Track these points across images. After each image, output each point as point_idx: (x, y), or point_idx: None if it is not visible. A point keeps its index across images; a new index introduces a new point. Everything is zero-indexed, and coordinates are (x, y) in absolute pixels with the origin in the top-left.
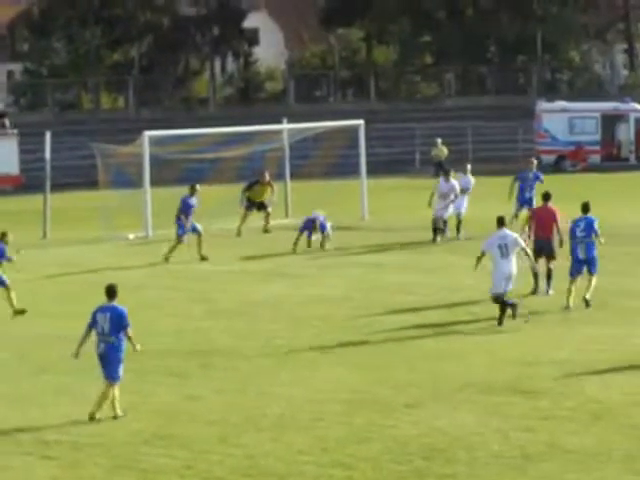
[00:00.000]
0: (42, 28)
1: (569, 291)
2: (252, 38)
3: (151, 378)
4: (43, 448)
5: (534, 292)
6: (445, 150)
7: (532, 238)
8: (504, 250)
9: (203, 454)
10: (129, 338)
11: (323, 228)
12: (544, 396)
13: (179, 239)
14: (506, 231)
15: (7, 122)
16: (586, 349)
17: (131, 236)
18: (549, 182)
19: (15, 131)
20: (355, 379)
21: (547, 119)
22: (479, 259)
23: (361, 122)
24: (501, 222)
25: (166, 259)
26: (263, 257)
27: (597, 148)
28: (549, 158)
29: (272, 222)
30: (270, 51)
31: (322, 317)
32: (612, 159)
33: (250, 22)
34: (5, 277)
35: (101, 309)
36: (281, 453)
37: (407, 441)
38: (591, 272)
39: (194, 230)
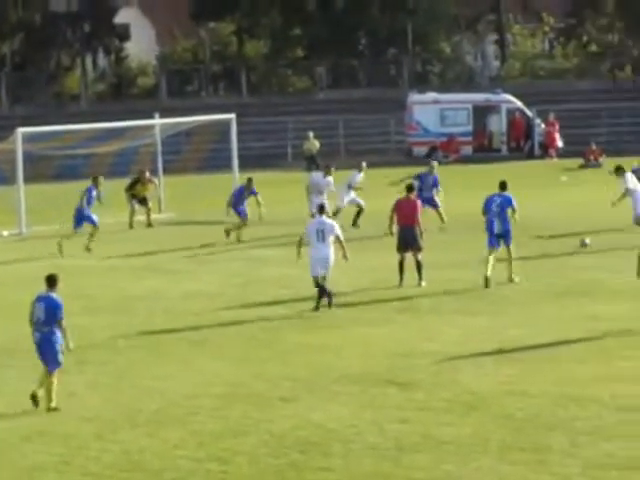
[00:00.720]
0: None
1: (486, 261)
2: (123, 34)
3: (28, 375)
4: None
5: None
6: (317, 144)
7: (396, 228)
8: (320, 235)
9: (80, 450)
10: (63, 332)
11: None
12: (419, 387)
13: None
14: (325, 218)
15: None
16: (461, 340)
17: (5, 233)
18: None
19: None
20: (230, 373)
21: (418, 111)
22: (299, 243)
23: (233, 116)
24: (322, 209)
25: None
26: (143, 252)
27: (469, 139)
28: (421, 150)
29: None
30: (141, 46)
31: (198, 311)
32: (484, 150)
33: (121, 18)
34: None
35: (38, 298)
36: (157, 448)
37: (283, 434)
38: (507, 244)
39: (91, 220)
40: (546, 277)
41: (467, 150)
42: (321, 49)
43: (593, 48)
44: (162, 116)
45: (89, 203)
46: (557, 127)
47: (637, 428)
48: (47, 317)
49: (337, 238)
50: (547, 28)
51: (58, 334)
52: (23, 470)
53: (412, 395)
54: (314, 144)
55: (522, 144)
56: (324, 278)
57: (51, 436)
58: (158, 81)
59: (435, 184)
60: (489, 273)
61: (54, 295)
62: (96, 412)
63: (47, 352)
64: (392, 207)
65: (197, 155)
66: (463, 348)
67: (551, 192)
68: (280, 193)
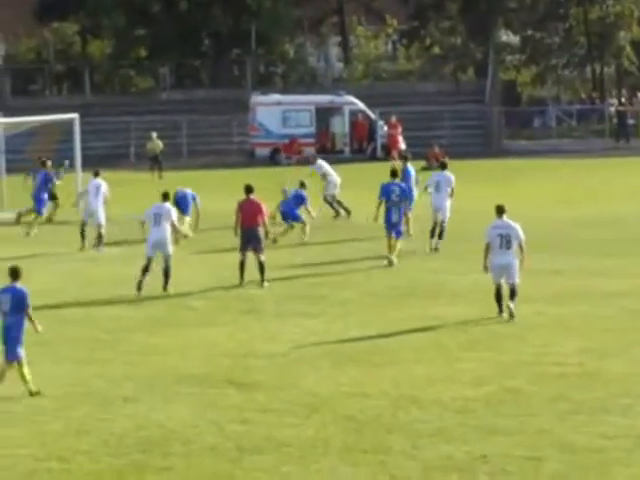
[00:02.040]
0: None
1: (388, 246)
2: None
3: None
4: None
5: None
6: (160, 144)
7: (239, 230)
8: (158, 219)
9: None
10: (30, 319)
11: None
12: (260, 389)
13: None
14: (166, 205)
15: None
16: (302, 342)
17: None
18: (265, 175)
19: None
20: (72, 374)
21: (261, 112)
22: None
23: (76, 116)
24: (165, 197)
25: None
26: None
27: (312, 141)
28: (264, 151)
29: None
30: None
31: (38, 312)
32: (327, 151)
33: None
34: None
35: (3, 290)
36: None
37: (124, 434)
38: (397, 236)
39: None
40: (389, 279)
41: (310, 151)
42: (164, 49)
43: (436, 50)
44: (6, 115)
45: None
46: (400, 129)
47: (477, 430)
48: (12, 307)
49: (173, 223)
50: (390, 30)
51: (23, 325)
52: None
53: (253, 396)
54: (157, 144)
55: (365, 146)
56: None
57: None
58: (2, 80)
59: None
60: (394, 258)
61: (19, 285)
62: None
63: (10, 342)
64: (236, 208)
65: (41, 155)
66: (305, 350)
67: None
68: (123, 192)
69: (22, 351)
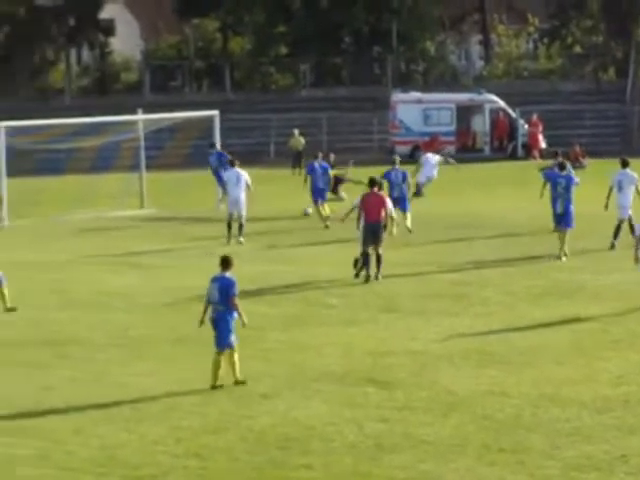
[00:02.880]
0: None
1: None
2: (108, 28)
3: (5, 369)
4: None
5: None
6: (302, 140)
7: (362, 224)
8: None
9: (58, 444)
10: (236, 309)
11: None
12: (399, 387)
13: None
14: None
15: None
16: (442, 341)
17: None
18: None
19: None
20: (209, 370)
21: (402, 110)
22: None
23: (216, 113)
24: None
25: None
26: (123, 247)
27: (452, 139)
28: (404, 149)
29: (129, 213)
30: (126, 42)
31: (178, 308)
32: (467, 150)
33: (106, 13)
34: None
35: (213, 279)
36: (136, 443)
37: (262, 431)
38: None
39: None
40: (528, 278)
41: (450, 150)
42: (305, 46)
43: (577, 49)
44: (145, 112)
45: None
46: (540, 128)
47: (616, 429)
48: (221, 296)
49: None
50: (531, 29)
51: (233, 314)
52: (0, 464)
53: (392, 394)
54: (300, 141)
55: (505, 144)
56: None
57: (29, 430)
58: (142, 77)
59: (404, 179)
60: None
61: (228, 275)
62: (76, 407)
63: (222, 330)
64: (358, 202)
65: (180, 151)
66: (444, 349)
67: (534, 193)
68: (263, 190)
69: (234, 338)
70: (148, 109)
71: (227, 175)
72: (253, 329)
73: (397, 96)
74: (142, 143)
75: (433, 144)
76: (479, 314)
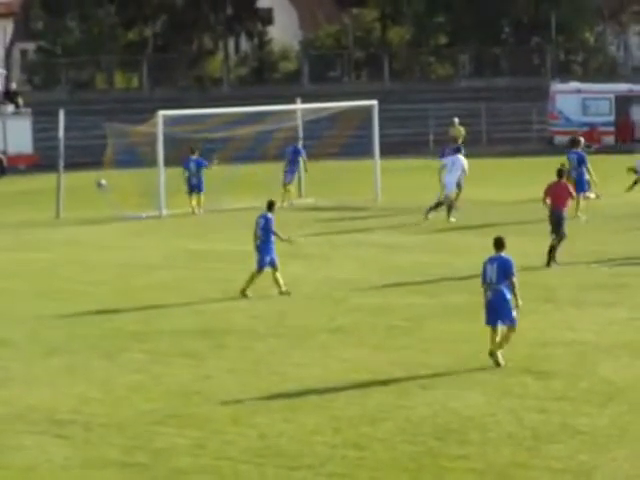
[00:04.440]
0: (56, 7)
1: None
2: (266, 18)
3: (164, 358)
4: (56, 428)
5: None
6: (462, 130)
7: (549, 212)
8: None
9: (216, 434)
10: (513, 289)
11: None
12: (557, 377)
13: None
14: None
15: (20, 101)
16: (601, 331)
17: (143, 215)
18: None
19: (29, 110)
20: (369, 360)
21: (561, 100)
22: None
23: (375, 102)
24: None
25: None
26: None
27: (611, 129)
28: (563, 139)
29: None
30: (284, 31)
31: (336, 298)
32: (626, 140)
33: (264, 2)
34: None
35: (490, 260)
36: (293, 433)
37: (420, 421)
38: None
39: None
40: None
41: (609, 140)
42: (464, 37)
43: None
44: (304, 101)
45: None
46: None
47: None
48: (499, 276)
49: None
50: None
51: (509, 292)
52: (157, 452)
53: (550, 384)
54: (459, 130)
55: None
56: None
57: (186, 419)
58: (300, 66)
59: (582, 161)
60: None
61: (504, 255)
62: (233, 396)
63: (501, 308)
64: (545, 191)
65: (338, 141)
66: (602, 339)
67: None
68: (420, 180)
69: (515, 316)
70: (306, 99)
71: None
72: (412, 319)
73: (556, 86)
74: (301, 133)
75: (592, 134)
76: (636, 305)
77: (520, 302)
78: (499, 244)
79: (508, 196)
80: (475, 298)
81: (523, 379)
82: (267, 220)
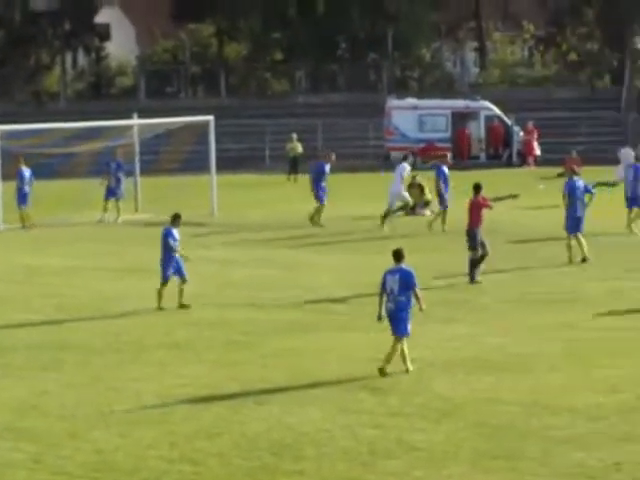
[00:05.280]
0: None
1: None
2: (104, 33)
3: (1, 372)
4: None
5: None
6: (300, 146)
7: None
8: None
9: (52, 448)
10: (416, 297)
11: None
12: (393, 393)
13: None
14: None
15: None
16: (438, 347)
17: None
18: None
19: None
20: (206, 375)
21: (397, 116)
22: None
23: (211, 118)
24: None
25: None
26: (116, 252)
27: (448, 145)
28: (399, 155)
29: (124, 217)
30: (121, 46)
31: (174, 313)
32: (463, 157)
33: (102, 17)
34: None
35: (391, 271)
36: (130, 448)
37: (256, 437)
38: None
39: None
40: (525, 285)
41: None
42: (301, 53)
43: (572, 57)
44: (140, 116)
45: None
46: (535, 135)
47: (610, 438)
48: (400, 287)
49: None
50: (527, 36)
51: (409, 303)
52: None
53: (386, 400)
54: (297, 146)
55: (501, 151)
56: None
57: (23, 433)
58: (137, 81)
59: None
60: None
61: (405, 266)
62: (71, 411)
63: (401, 319)
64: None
65: (175, 156)
66: (439, 355)
67: (529, 200)
68: (258, 195)
69: (410, 327)
70: (143, 114)
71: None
72: (251, 334)
73: (392, 102)
74: (137, 148)
75: (428, 150)
76: (475, 321)
77: (424, 306)
78: (398, 256)
79: (344, 212)
80: (311, 315)
81: (359, 395)
82: (166, 234)
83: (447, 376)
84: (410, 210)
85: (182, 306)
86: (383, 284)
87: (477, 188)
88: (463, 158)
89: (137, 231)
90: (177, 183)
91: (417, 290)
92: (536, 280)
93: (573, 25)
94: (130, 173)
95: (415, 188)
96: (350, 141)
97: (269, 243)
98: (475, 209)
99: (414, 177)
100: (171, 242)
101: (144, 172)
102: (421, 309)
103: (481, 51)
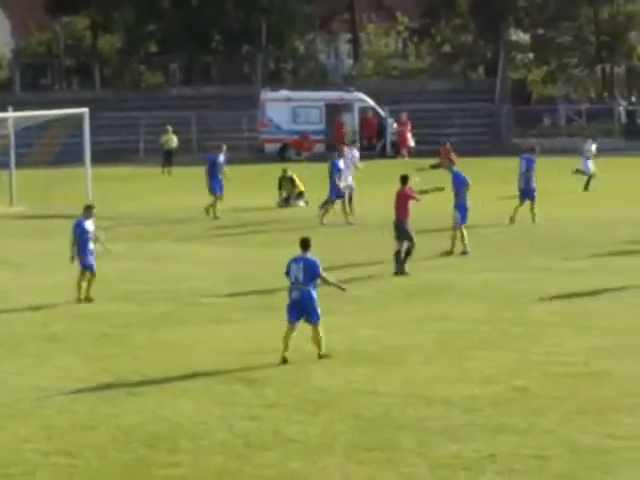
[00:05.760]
0: None
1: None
2: None
3: None
4: None
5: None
6: (175, 139)
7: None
8: None
9: None
10: (329, 283)
11: None
12: (268, 385)
13: None
14: None
15: None
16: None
17: None
18: (275, 171)
19: None
20: (80, 368)
21: (271, 108)
22: None
23: (86, 110)
24: None
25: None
26: None
27: (322, 137)
28: (273, 147)
29: None
30: None
31: (49, 306)
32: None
33: None
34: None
35: (295, 259)
36: (5, 442)
37: (131, 429)
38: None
39: None
40: (397, 277)
41: (320, 148)
42: (175, 45)
43: (446, 48)
44: (16, 109)
45: None
46: (409, 127)
47: (484, 429)
48: (305, 276)
49: None
50: (401, 27)
51: (315, 291)
52: None
53: (262, 392)
54: (172, 138)
55: (374, 143)
56: None
57: None
58: (12, 74)
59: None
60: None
61: (310, 256)
62: None
63: (308, 307)
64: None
65: (50, 149)
66: (314, 347)
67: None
68: (132, 188)
69: (320, 314)
70: (18, 107)
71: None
72: (124, 327)
73: (266, 94)
74: (12, 140)
75: (303, 142)
76: (351, 312)
77: (344, 287)
78: (305, 244)
79: (219, 205)
80: (185, 307)
81: (234, 387)
82: (76, 225)
83: (323, 368)
84: (284, 202)
85: (87, 299)
86: (287, 272)
87: (404, 179)
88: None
89: (11, 224)
90: (52, 176)
91: (325, 276)
92: (412, 271)
93: (447, 17)
94: (5, 166)
95: (286, 181)
96: (224, 133)
97: (142, 236)
98: (402, 200)
99: (285, 170)
100: (77, 233)
101: (19, 165)
102: (343, 290)
103: (355, 43)
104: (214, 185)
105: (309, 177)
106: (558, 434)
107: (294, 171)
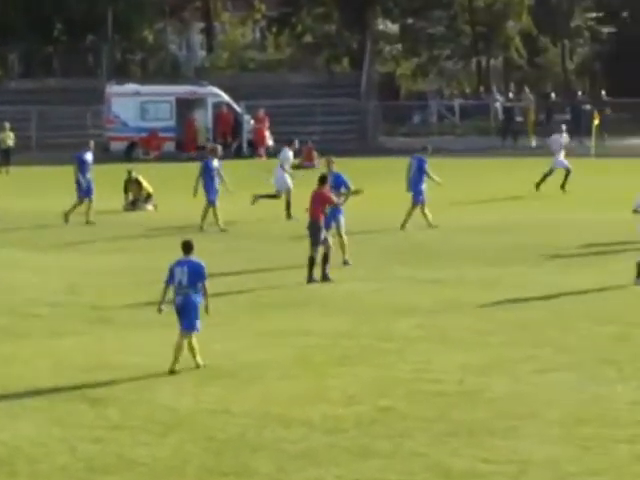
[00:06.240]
0: None
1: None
2: None
3: None
4: None
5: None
6: (12, 136)
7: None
8: None
9: None
10: (205, 293)
11: None
12: (113, 404)
13: None
14: None
15: None
16: (160, 354)
17: None
18: (120, 172)
19: None
20: None
21: (117, 103)
22: None
23: None
24: None
25: None
26: None
27: (172, 135)
28: (120, 145)
29: None
30: None
31: None
32: (191, 148)
33: None
34: None
35: (179, 262)
36: None
37: None
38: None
39: None
40: (254, 288)
41: (170, 147)
42: (13, 35)
43: (308, 39)
44: None
45: None
46: (267, 124)
47: (347, 452)
48: (190, 280)
49: None
50: (258, 16)
51: (198, 296)
52: None
53: (106, 412)
54: (9, 135)
55: (229, 142)
56: None
57: None
58: None
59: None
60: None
61: (194, 258)
62: None
63: (187, 314)
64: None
65: None
66: (163, 363)
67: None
68: None
69: (199, 323)
70: None
71: None
72: None
73: (112, 88)
74: None
75: (151, 141)
76: (203, 326)
77: (210, 307)
78: (187, 247)
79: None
80: (20, 319)
81: (77, 406)
82: None
83: (172, 386)
84: (130, 205)
85: None
86: (171, 276)
87: (322, 179)
88: (189, 149)
89: None
90: None
91: (206, 284)
92: (271, 282)
93: (309, 5)
94: None
95: (133, 183)
96: (67, 130)
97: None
98: (319, 201)
99: (130, 172)
100: None
101: None
102: (207, 310)
103: (208, 33)
104: (80, 186)
105: (158, 178)
106: (428, 458)
107: (140, 172)
